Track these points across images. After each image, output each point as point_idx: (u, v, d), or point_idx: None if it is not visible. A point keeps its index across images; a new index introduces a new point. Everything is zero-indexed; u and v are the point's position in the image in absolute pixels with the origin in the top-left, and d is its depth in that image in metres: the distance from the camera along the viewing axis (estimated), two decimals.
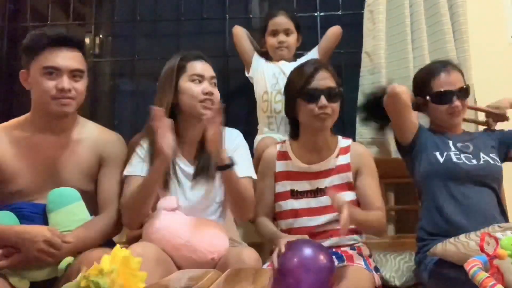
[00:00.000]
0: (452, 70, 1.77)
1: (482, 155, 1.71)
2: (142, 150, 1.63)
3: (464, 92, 1.75)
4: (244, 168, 1.64)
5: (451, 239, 1.50)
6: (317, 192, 1.70)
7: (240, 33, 2.28)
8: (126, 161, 1.64)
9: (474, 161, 1.69)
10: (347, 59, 2.41)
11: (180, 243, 1.48)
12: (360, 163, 1.72)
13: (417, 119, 1.81)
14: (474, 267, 1.06)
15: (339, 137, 1.79)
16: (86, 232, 1.48)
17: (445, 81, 1.75)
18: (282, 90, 1.99)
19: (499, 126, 1.87)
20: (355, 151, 1.75)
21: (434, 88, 1.75)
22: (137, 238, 1.65)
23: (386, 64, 2.19)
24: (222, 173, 1.54)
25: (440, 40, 2.13)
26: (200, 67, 1.65)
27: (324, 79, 1.66)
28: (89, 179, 1.61)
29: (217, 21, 2.56)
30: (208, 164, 1.62)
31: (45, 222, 1.48)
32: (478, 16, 2.23)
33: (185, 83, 1.62)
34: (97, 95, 2.63)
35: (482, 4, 2.27)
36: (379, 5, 2.21)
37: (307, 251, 1.42)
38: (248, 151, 1.73)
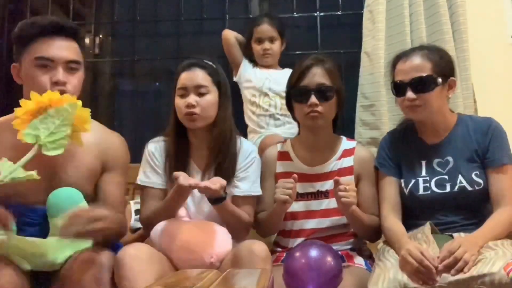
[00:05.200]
0: (414, 56, 1.56)
1: (460, 178, 1.52)
2: (154, 159, 1.66)
3: (419, 83, 1.52)
4: (251, 186, 1.66)
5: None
6: (318, 195, 1.67)
7: (230, 39, 2.30)
8: (127, 166, 1.62)
9: (448, 187, 1.53)
10: (346, 59, 2.41)
11: (178, 246, 1.47)
12: (362, 168, 1.68)
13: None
14: None
15: (344, 138, 1.75)
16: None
17: (400, 70, 1.58)
18: (269, 92, 2.16)
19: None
20: (359, 155, 1.70)
21: (394, 78, 1.61)
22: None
23: (386, 64, 2.18)
24: (214, 205, 1.53)
25: (439, 40, 2.13)
26: (184, 78, 1.62)
27: (315, 76, 1.61)
28: (91, 182, 1.53)
29: (217, 21, 2.56)
30: (219, 174, 1.58)
31: (46, 228, 1.39)
32: (478, 16, 2.22)
33: (175, 97, 1.63)
34: (97, 95, 2.63)
35: (482, 4, 2.27)
36: (379, 5, 2.20)
37: (315, 252, 1.41)
38: (259, 168, 1.72)
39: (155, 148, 1.68)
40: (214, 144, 1.64)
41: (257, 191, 1.67)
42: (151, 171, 1.66)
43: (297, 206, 1.66)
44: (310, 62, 1.64)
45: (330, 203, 1.64)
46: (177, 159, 1.64)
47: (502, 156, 1.53)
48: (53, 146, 1.03)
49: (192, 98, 1.59)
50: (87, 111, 1.08)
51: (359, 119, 2.23)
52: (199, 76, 1.62)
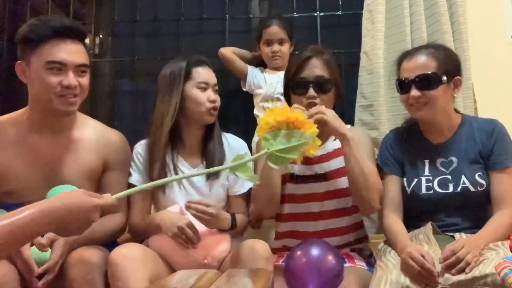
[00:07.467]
0: (419, 54, 1.56)
1: (463, 178, 1.53)
2: (140, 157, 1.68)
3: (424, 80, 1.51)
4: (245, 183, 1.68)
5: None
6: (316, 178, 1.64)
7: (226, 54, 2.24)
8: (129, 163, 1.66)
9: (451, 187, 1.53)
10: (347, 59, 2.41)
11: (173, 247, 1.49)
12: (359, 144, 1.61)
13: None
14: (505, 268, 1.00)
15: None
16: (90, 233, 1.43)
17: (405, 67, 1.58)
18: (281, 97, 2.06)
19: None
20: (354, 134, 1.64)
21: (399, 75, 1.62)
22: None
23: (385, 64, 2.18)
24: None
25: (439, 40, 2.12)
26: (206, 74, 1.67)
27: (314, 68, 1.61)
28: (91, 180, 1.55)
29: (217, 21, 2.55)
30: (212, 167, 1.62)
31: None
32: (478, 16, 2.22)
33: (191, 89, 1.65)
34: (97, 95, 2.62)
35: (482, 4, 2.26)
36: (378, 5, 2.20)
37: (316, 251, 1.41)
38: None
39: (141, 149, 1.69)
40: (206, 140, 1.68)
41: (249, 185, 1.69)
42: (136, 172, 1.67)
43: (296, 189, 1.64)
44: (309, 54, 1.63)
45: (330, 186, 1.63)
46: (170, 156, 1.65)
47: (506, 159, 1.53)
48: (276, 160, 1.09)
49: (214, 95, 1.67)
50: (318, 142, 1.12)
51: (358, 119, 2.23)
52: (214, 75, 1.70)
